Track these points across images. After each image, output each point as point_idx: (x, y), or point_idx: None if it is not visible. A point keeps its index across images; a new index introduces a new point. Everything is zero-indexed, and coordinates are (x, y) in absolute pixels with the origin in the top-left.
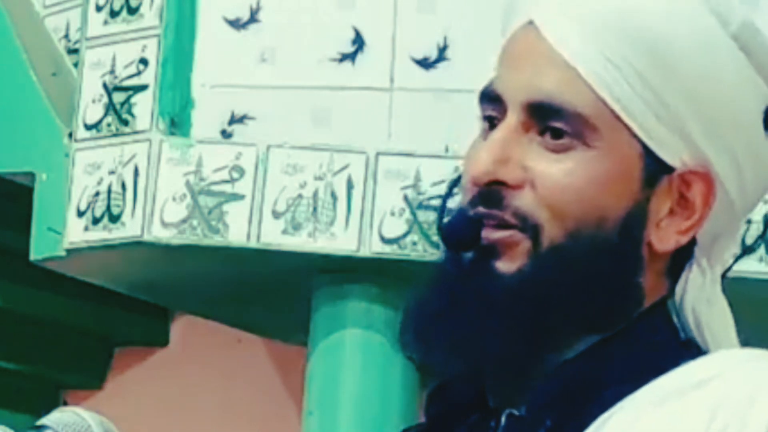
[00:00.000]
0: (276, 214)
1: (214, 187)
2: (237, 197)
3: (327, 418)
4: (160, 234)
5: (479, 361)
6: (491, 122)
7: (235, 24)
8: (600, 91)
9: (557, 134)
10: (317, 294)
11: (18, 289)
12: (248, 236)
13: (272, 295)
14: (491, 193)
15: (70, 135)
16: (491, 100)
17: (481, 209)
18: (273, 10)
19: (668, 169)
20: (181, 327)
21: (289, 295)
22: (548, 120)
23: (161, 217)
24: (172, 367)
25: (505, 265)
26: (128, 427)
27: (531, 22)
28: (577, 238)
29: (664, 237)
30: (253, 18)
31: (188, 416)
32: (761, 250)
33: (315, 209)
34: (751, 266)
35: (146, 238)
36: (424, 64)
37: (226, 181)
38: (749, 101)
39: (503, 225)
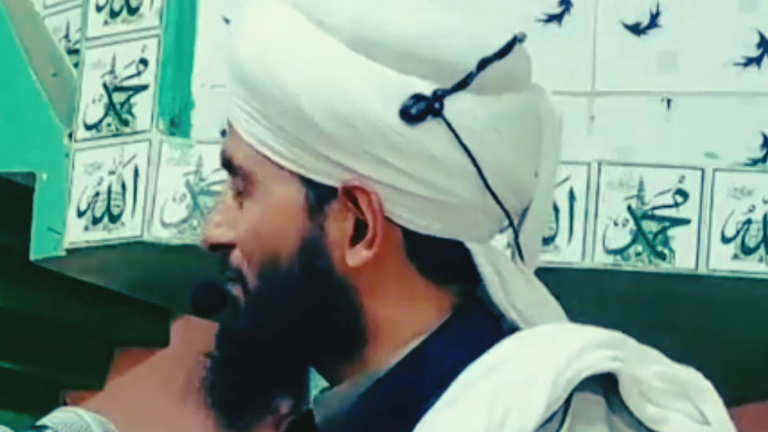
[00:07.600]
0: None
1: (214, 187)
2: None
3: None
4: (160, 234)
5: (233, 411)
6: None
7: None
8: (247, 139)
9: (238, 189)
10: None
11: (18, 289)
12: None
13: None
14: (222, 256)
15: (70, 135)
16: None
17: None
18: None
19: (334, 190)
20: (181, 327)
21: None
22: (232, 177)
23: (161, 217)
24: (172, 367)
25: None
26: (128, 427)
27: None
28: (264, 279)
29: (354, 253)
30: None
31: (188, 416)
32: (761, 250)
33: None
34: (751, 266)
35: (146, 238)
36: None
37: (226, 181)
38: (375, 99)
39: (238, 284)
